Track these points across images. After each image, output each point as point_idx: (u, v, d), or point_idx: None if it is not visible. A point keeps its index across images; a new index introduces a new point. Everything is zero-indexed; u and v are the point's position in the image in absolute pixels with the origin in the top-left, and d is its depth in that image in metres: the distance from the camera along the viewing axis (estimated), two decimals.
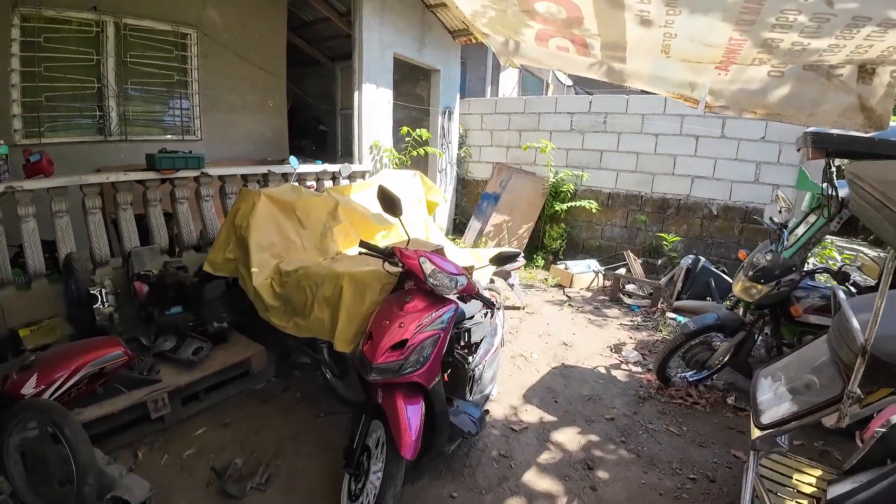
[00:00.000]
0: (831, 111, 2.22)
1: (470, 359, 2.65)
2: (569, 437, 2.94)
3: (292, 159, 4.39)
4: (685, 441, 2.95)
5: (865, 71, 1.99)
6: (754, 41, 1.84)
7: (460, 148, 8.01)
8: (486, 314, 2.85)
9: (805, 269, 3.50)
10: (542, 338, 4.42)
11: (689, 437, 2.99)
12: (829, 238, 4.91)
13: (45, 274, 3.32)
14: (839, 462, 2.61)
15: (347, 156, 6.37)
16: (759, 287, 3.11)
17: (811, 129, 3.11)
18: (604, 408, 3.28)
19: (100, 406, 2.53)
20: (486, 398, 2.85)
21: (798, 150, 3.52)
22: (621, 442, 2.91)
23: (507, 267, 4.21)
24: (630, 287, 5.66)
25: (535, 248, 7.05)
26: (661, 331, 4.65)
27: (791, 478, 2.30)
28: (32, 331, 3.11)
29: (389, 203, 2.34)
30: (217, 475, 2.40)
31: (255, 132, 6.51)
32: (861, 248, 5.15)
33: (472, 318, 2.70)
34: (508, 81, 10.87)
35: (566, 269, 6.09)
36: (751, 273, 3.14)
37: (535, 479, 2.55)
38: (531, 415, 3.16)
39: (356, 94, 5.68)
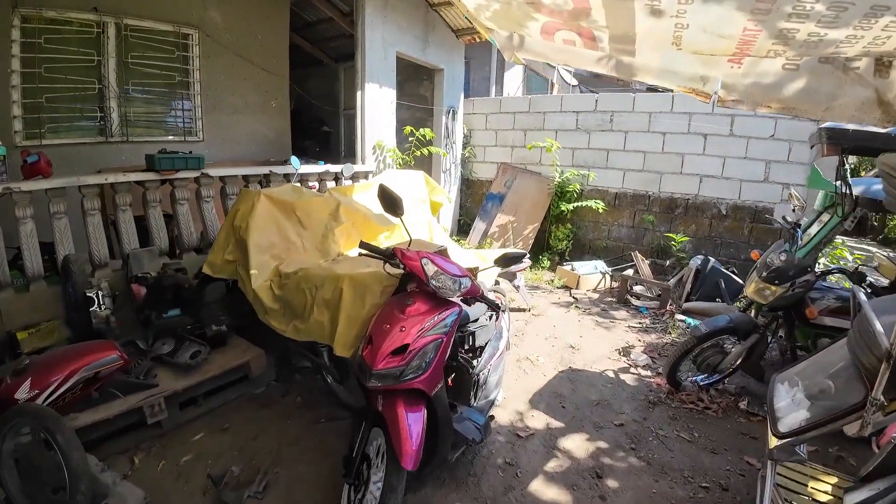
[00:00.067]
0: (848, 105, 2.16)
1: (474, 363, 2.57)
2: (577, 444, 2.85)
3: (294, 159, 4.33)
4: (697, 448, 2.86)
5: (882, 64, 1.93)
6: (769, 32, 1.77)
7: (464, 148, 7.95)
8: (490, 317, 2.77)
9: (819, 269, 3.40)
10: (549, 340, 4.33)
11: (701, 443, 2.90)
12: (839, 238, 4.80)
13: (43, 276, 3.29)
14: (855, 468, 2.52)
15: (350, 156, 6.33)
16: (773, 288, 3.02)
17: (826, 124, 3.02)
18: (613, 413, 3.19)
19: (95, 411, 2.48)
20: (492, 404, 2.77)
21: (811, 147, 3.42)
22: (631, 449, 2.82)
23: (513, 268, 4.13)
24: (638, 288, 5.56)
25: (541, 248, 6.96)
26: (670, 333, 4.56)
27: (806, 486, 2.21)
28: (30, 333, 3.08)
29: (390, 202, 2.27)
30: (213, 483, 2.34)
31: (257, 133, 6.47)
32: (870, 248, 5.04)
33: (476, 320, 2.62)
34: (513, 81, 10.79)
35: (572, 270, 6.00)
36: (764, 274, 3.04)
37: (542, 489, 2.47)
38: (538, 421, 3.08)
39: (359, 93, 5.63)
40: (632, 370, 3.82)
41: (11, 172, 3.25)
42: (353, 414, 2.64)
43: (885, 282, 3.62)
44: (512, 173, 7.36)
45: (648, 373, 3.78)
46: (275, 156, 6.26)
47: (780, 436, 2.02)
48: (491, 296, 2.57)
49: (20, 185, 3.12)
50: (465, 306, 2.36)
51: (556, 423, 3.06)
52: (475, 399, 2.58)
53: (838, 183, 3.24)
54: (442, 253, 2.60)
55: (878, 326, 1.71)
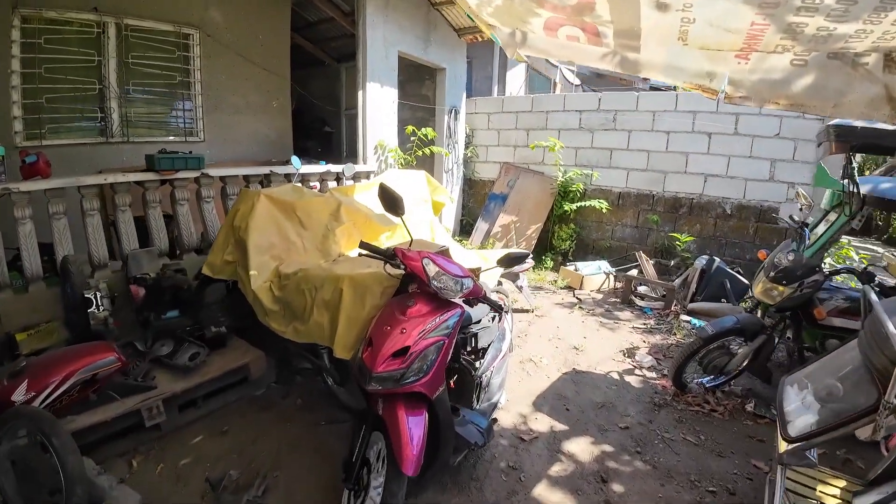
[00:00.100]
0: (857, 102, 2.12)
1: (477, 364, 2.54)
2: (581, 448, 2.80)
3: (294, 159, 4.30)
4: (703, 451, 2.81)
5: (892, 59, 1.88)
6: (778, 26, 1.72)
7: (467, 148, 7.91)
8: (493, 318, 2.73)
9: (826, 269, 3.35)
10: (552, 342, 4.28)
11: (708, 446, 2.85)
12: (844, 238, 4.74)
13: (42, 277, 3.27)
14: (863, 471, 2.47)
15: (352, 156, 6.30)
16: (781, 289, 2.96)
17: (834, 121, 2.98)
18: (617, 416, 3.15)
19: (92, 413, 2.46)
20: (494, 406, 2.72)
21: (818, 144, 3.37)
22: (636, 452, 2.77)
23: (516, 269, 4.09)
24: (642, 289, 5.51)
25: (544, 249, 6.92)
26: (675, 334, 4.50)
27: (815, 489, 2.17)
28: (29, 335, 3.06)
29: (391, 202, 2.23)
30: (212, 487, 2.31)
31: (258, 133, 6.45)
32: (875, 248, 4.99)
33: (478, 322, 2.58)
34: (515, 81, 10.74)
35: (576, 270, 5.96)
36: (772, 274, 2.99)
37: (545, 493, 2.42)
38: (541, 423, 3.03)
39: (360, 93, 5.60)
40: (636, 372, 3.77)
41: (10, 173, 3.23)
42: (354, 417, 2.60)
43: (892, 282, 3.56)
44: (515, 173, 7.31)
45: (653, 374, 3.72)
46: (276, 156, 6.23)
47: (790, 440, 1.97)
48: (493, 296, 2.53)
49: (18, 185, 3.10)
50: (467, 307, 2.31)
51: (560, 426, 3.01)
52: (478, 402, 2.54)
53: (845, 181, 3.18)
54: (444, 253, 2.56)
55: (891, 327, 1.67)
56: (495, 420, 2.80)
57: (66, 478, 1.89)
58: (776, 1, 1.54)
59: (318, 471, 2.48)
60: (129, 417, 2.55)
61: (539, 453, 2.74)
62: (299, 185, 4.25)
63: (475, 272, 2.48)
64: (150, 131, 5.41)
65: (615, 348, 4.18)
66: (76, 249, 3.36)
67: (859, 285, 3.42)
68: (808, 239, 3.37)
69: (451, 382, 2.46)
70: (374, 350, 1.91)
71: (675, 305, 5.04)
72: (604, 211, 6.44)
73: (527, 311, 4.94)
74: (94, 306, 2.92)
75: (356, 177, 5.27)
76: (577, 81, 11.61)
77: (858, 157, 3.25)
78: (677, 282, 5.34)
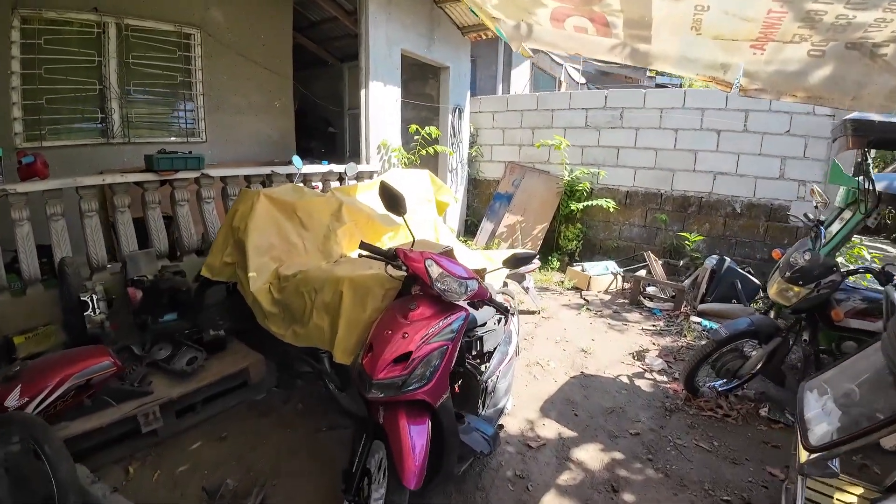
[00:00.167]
0: (876, 94, 2.04)
1: (482, 369, 2.46)
2: (591, 455, 2.71)
3: (296, 159, 4.24)
4: (717, 458, 2.71)
5: None
6: (795, 14, 1.65)
7: (471, 147, 7.83)
8: (499, 320, 2.65)
9: (844, 268, 3.24)
10: (560, 344, 4.19)
11: (721, 453, 2.75)
12: (856, 237, 4.63)
13: (40, 279, 3.23)
14: (879, 477, 2.38)
15: (355, 156, 6.24)
16: (797, 289, 2.86)
17: (851, 115, 2.88)
18: (628, 421, 3.05)
19: (87, 419, 2.39)
20: (501, 412, 2.63)
21: (833, 140, 3.26)
22: (648, 460, 2.67)
23: (522, 269, 4.01)
24: (651, 289, 5.41)
25: (550, 249, 6.82)
26: (685, 336, 4.39)
27: (832, 497, 2.09)
28: (27, 338, 3.01)
29: (392, 200, 2.14)
30: (208, 496, 2.24)
31: (261, 133, 6.40)
32: (885, 247, 4.86)
33: (484, 324, 2.50)
34: (520, 80, 10.66)
35: (583, 270, 5.86)
36: (788, 274, 2.89)
37: None
38: (549, 430, 2.94)
39: (363, 92, 5.54)
40: (647, 375, 3.67)
41: (8, 174, 3.18)
42: (355, 424, 2.53)
43: None
44: (520, 172, 7.22)
45: (664, 378, 3.62)
46: (279, 157, 6.18)
47: (811, 449, 1.88)
48: (499, 298, 2.45)
49: (16, 186, 3.05)
50: (472, 310, 2.23)
51: (568, 433, 2.92)
52: (483, 408, 2.45)
53: (860, 178, 3.08)
54: (447, 254, 2.48)
55: None
56: (501, 426, 2.71)
57: (59, 486, 1.84)
58: None
59: (317, 479, 2.40)
60: (126, 423, 2.48)
61: (547, 461, 2.64)
62: (300, 185, 4.18)
63: (480, 273, 2.39)
64: (152, 132, 5.37)
65: (624, 351, 4.08)
66: (75, 251, 3.31)
67: (871, 285, 3.32)
68: (824, 237, 3.26)
69: (456, 387, 2.38)
70: (374, 356, 1.83)
71: (685, 306, 4.94)
72: (611, 210, 6.34)
73: (533, 312, 4.85)
74: (90, 309, 2.86)
75: (359, 177, 5.20)
76: (583, 80, 11.51)
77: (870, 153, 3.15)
78: (687, 282, 5.23)
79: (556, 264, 6.55)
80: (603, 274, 5.84)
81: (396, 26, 5.76)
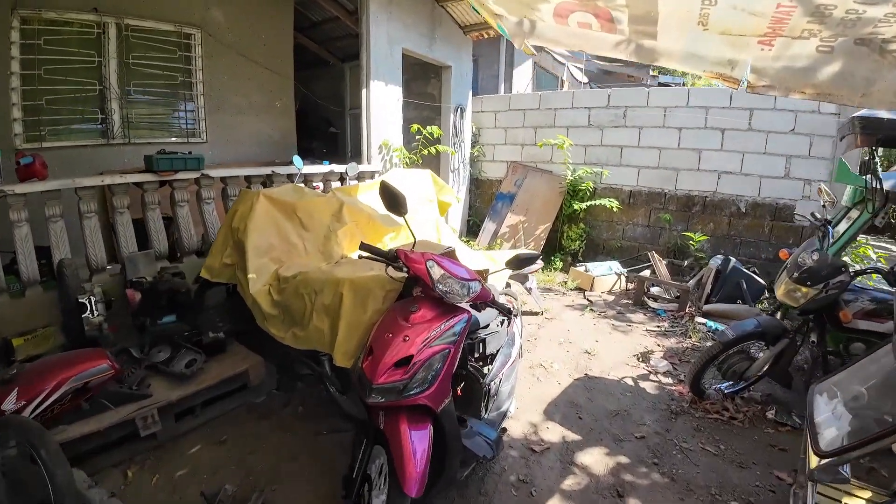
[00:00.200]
0: (886, 91, 2.00)
1: (485, 371, 2.42)
2: (595, 459, 2.67)
3: (296, 159, 4.21)
4: (724, 462, 2.67)
5: None
6: (805, 8, 1.61)
7: (473, 147, 7.79)
8: (502, 322, 2.61)
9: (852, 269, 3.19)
10: (563, 346, 4.14)
11: (728, 456, 2.71)
12: (861, 236, 4.58)
13: (39, 281, 3.20)
14: (887, 480, 2.32)
15: (357, 157, 6.20)
16: (805, 290, 2.81)
17: (859, 113, 2.82)
18: (633, 424, 3.01)
19: (85, 423, 2.36)
20: (504, 415, 2.59)
21: (841, 138, 3.21)
22: (654, 464, 2.63)
23: (525, 270, 3.95)
24: (655, 290, 5.35)
25: (553, 249, 6.77)
26: (690, 337, 4.34)
27: (840, 501, 2.04)
28: (26, 340, 2.99)
29: (392, 200, 2.10)
30: (206, 501, 2.20)
31: (262, 134, 6.37)
32: (889, 246, 4.81)
33: (486, 326, 2.46)
34: (522, 79, 10.61)
35: (586, 271, 5.81)
36: (796, 274, 2.83)
37: None
38: (553, 433, 2.90)
39: (364, 91, 5.50)
40: (651, 377, 3.62)
41: (7, 175, 3.16)
42: (356, 428, 2.49)
43: None
44: (522, 172, 7.18)
45: (669, 380, 3.58)
46: (280, 157, 6.15)
47: (822, 455, 1.83)
48: (502, 299, 2.40)
49: (14, 187, 3.03)
50: (474, 312, 2.19)
51: (572, 436, 2.88)
52: (486, 411, 2.41)
53: (868, 177, 3.03)
54: (449, 254, 2.43)
55: None
56: (504, 430, 2.68)
57: (55, 490, 1.82)
58: None
59: (317, 484, 2.37)
60: (124, 427, 2.46)
61: (551, 465, 2.60)
62: (301, 185, 4.15)
63: (483, 274, 2.35)
64: (152, 132, 5.35)
65: (629, 352, 4.03)
66: (74, 253, 3.28)
67: (878, 285, 3.27)
68: (832, 237, 3.21)
69: (458, 390, 2.34)
70: (374, 359, 1.79)
71: (690, 307, 4.88)
72: (614, 210, 6.29)
73: (536, 313, 4.81)
74: (88, 311, 2.83)
75: (360, 177, 5.17)
76: (585, 79, 11.47)
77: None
78: (692, 282, 5.18)
79: (559, 265, 6.50)
80: (606, 274, 5.79)
81: (398, 25, 5.73)
